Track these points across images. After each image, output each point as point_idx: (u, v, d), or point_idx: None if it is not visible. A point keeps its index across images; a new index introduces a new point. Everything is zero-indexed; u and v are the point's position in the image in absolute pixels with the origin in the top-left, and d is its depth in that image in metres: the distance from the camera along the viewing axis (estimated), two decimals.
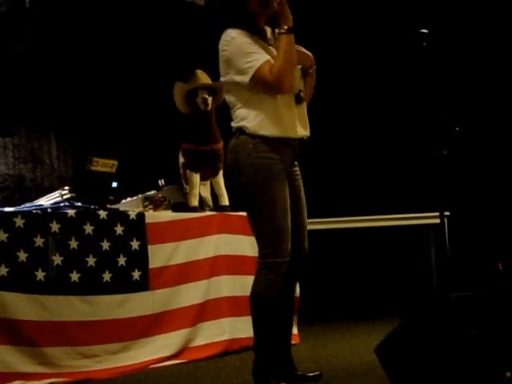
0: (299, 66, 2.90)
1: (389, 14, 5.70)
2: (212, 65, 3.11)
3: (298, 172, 2.97)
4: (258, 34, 2.83)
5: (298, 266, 2.96)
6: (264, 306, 2.77)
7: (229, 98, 2.87)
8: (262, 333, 2.78)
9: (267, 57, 2.76)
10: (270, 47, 2.85)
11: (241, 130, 2.80)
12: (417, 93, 4.76)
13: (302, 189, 2.97)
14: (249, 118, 2.78)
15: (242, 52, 2.75)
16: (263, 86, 2.75)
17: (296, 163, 2.95)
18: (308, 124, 2.92)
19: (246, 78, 2.74)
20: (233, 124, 2.86)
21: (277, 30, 2.89)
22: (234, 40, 2.77)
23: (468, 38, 5.61)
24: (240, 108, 2.82)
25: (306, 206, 2.97)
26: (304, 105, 2.92)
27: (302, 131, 2.87)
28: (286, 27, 2.77)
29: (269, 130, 2.76)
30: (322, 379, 3.02)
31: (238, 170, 2.78)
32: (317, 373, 3.05)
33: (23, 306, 3.16)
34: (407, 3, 5.58)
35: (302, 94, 2.89)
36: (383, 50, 5.71)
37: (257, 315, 2.79)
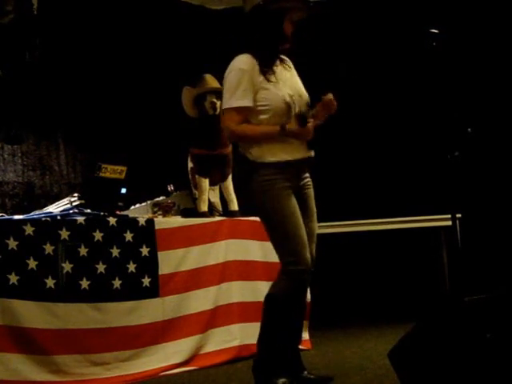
0: (305, 96, 3.00)
1: (398, 15, 5.67)
2: (220, 69, 3.11)
3: (309, 183, 3.05)
4: (273, 58, 2.94)
5: None
6: (277, 309, 2.88)
7: None
8: (269, 333, 2.89)
9: (246, 104, 2.85)
10: (272, 75, 2.91)
11: (244, 158, 2.95)
12: (428, 94, 4.73)
13: (312, 199, 3.06)
14: (251, 147, 2.92)
15: (234, 86, 2.86)
16: (222, 121, 2.94)
17: (306, 175, 3.03)
18: (313, 144, 3.01)
19: (223, 106, 2.93)
20: (240, 150, 3.00)
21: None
22: (236, 72, 2.88)
23: (480, 37, 5.57)
24: None
25: (315, 216, 3.06)
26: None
27: (304, 153, 2.96)
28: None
29: (268, 157, 2.89)
30: (331, 382, 3.04)
31: (248, 195, 2.96)
32: (328, 376, 3.10)
33: (33, 314, 3.15)
34: (417, 3, 5.55)
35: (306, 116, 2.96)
36: (393, 50, 5.68)
37: (268, 316, 2.89)
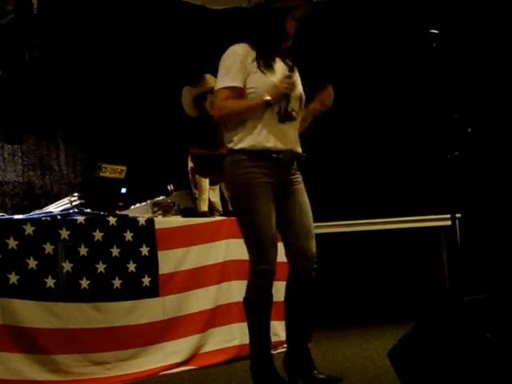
0: (298, 91, 2.99)
1: (399, 15, 5.67)
2: None
3: (298, 179, 3.02)
4: (273, 55, 2.95)
5: (307, 269, 2.98)
6: (253, 309, 2.93)
7: None
8: (254, 333, 2.94)
9: (237, 84, 2.87)
10: (265, 70, 2.91)
11: (228, 148, 2.98)
12: (428, 94, 4.73)
13: (303, 194, 3.02)
14: (233, 135, 2.95)
15: (227, 69, 2.90)
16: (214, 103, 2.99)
17: (294, 171, 3.00)
18: (296, 141, 3.00)
19: (215, 87, 2.96)
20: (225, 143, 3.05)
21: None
22: (230, 55, 2.92)
23: (480, 38, 5.57)
24: (230, 126, 2.98)
25: (309, 210, 3.01)
26: (293, 124, 2.97)
27: (286, 143, 2.93)
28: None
29: (246, 143, 2.90)
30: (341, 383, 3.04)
31: (227, 185, 3.05)
32: (337, 377, 3.08)
33: (33, 314, 3.16)
34: (417, 3, 5.55)
35: (294, 113, 2.94)
36: (394, 50, 5.69)
37: (248, 317, 2.95)
